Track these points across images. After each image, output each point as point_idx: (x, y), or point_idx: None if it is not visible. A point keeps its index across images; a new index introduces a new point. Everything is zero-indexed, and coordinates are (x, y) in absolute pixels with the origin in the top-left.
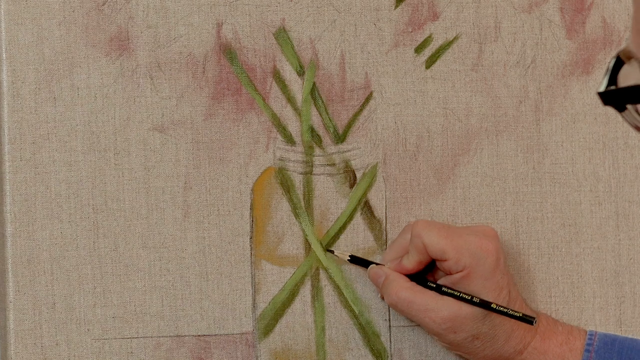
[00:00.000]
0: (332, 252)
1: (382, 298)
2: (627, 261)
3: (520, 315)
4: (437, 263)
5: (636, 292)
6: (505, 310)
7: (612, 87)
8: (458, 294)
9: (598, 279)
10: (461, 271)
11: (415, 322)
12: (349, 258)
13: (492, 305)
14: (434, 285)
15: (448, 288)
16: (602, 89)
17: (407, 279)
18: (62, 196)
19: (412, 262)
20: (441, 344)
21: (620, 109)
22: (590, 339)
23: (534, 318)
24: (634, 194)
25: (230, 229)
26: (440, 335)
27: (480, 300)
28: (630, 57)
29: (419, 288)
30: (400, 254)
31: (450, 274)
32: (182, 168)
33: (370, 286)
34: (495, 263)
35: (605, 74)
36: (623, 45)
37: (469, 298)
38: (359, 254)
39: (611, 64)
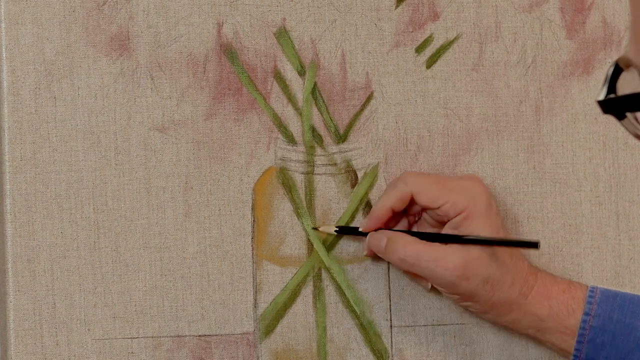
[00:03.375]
0: (316, 229)
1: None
2: (627, 261)
3: (524, 240)
4: (430, 213)
5: (636, 292)
6: (510, 239)
7: (612, 96)
8: (462, 237)
9: (598, 278)
10: (461, 212)
11: (424, 276)
12: (336, 230)
13: (496, 239)
14: (436, 235)
15: (445, 236)
16: (601, 97)
17: (409, 235)
18: (62, 196)
19: (384, 206)
20: (453, 298)
21: (620, 117)
22: (592, 291)
23: (537, 241)
24: (634, 194)
25: (232, 229)
26: (452, 285)
27: (481, 239)
28: (629, 64)
29: (424, 242)
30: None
31: (448, 219)
32: (183, 168)
33: (372, 286)
34: (489, 202)
35: (604, 82)
36: (621, 53)
37: (474, 238)
38: (361, 254)
39: (610, 72)
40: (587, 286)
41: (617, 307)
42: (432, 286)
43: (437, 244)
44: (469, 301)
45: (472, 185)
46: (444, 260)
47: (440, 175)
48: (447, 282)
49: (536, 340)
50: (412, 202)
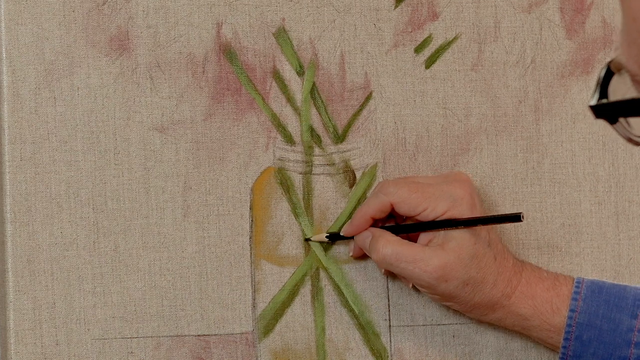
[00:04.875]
0: (309, 240)
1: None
2: (627, 261)
3: (505, 215)
4: (413, 219)
5: None
6: (492, 216)
7: (604, 101)
8: (440, 223)
9: (598, 278)
10: (441, 215)
11: (404, 276)
12: (327, 236)
13: (479, 218)
14: (422, 224)
15: (430, 223)
16: (593, 102)
17: (392, 234)
18: (62, 196)
19: (364, 215)
20: (432, 297)
21: (612, 121)
22: (577, 286)
23: (520, 213)
24: (634, 194)
25: (230, 228)
26: (431, 287)
27: (463, 219)
28: (620, 68)
29: (406, 241)
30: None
31: None
32: (182, 168)
33: (370, 286)
34: (471, 206)
35: (596, 86)
36: (612, 57)
37: (457, 220)
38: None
39: (601, 75)
40: (573, 279)
41: (602, 302)
42: (412, 285)
43: (417, 245)
44: (449, 301)
45: (455, 188)
46: (423, 262)
47: (421, 181)
48: (426, 283)
49: (524, 335)
50: (393, 209)
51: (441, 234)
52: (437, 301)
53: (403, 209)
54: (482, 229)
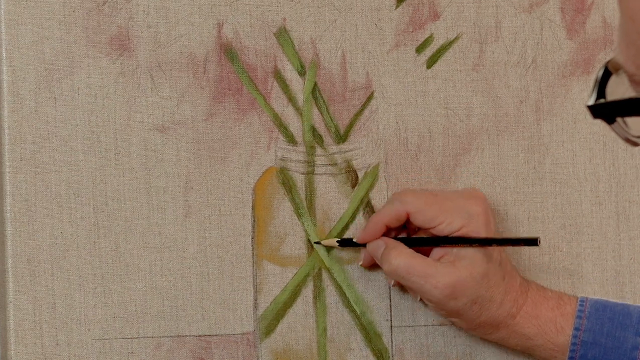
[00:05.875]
0: (319, 243)
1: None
2: (627, 261)
3: (521, 238)
4: (428, 232)
5: (637, 292)
6: (508, 238)
7: (601, 100)
8: (455, 239)
9: (599, 279)
10: (457, 231)
11: (413, 289)
12: (338, 241)
13: (495, 239)
14: (435, 239)
15: (445, 239)
16: (591, 102)
17: (406, 246)
18: (62, 196)
19: (379, 222)
20: (439, 312)
21: (610, 121)
22: (581, 304)
23: (537, 238)
24: (634, 194)
25: (232, 229)
26: (440, 303)
27: (478, 238)
28: (618, 68)
29: (419, 255)
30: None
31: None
32: (183, 168)
33: (372, 286)
34: (487, 222)
35: (594, 86)
36: (610, 57)
37: (472, 238)
38: (362, 254)
39: (599, 76)
40: (577, 298)
41: (607, 319)
42: (420, 298)
43: (430, 260)
44: (455, 318)
45: (471, 205)
46: (434, 277)
47: (439, 194)
48: (435, 299)
49: (527, 355)
50: (409, 219)
51: (454, 251)
52: (443, 316)
53: (419, 219)
54: (495, 249)
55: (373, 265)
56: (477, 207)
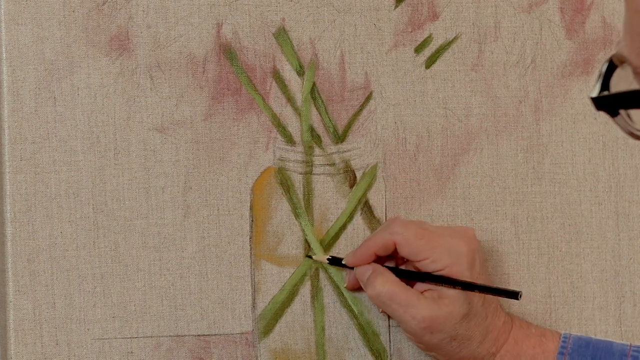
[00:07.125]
0: (310, 257)
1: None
2: (627, 261)
3: (503, 289)
4: (413, 264)
5: (636, 292)
6: (490, 287)
7: (605, 92)
8: (440, 278)
9: (598, 278)
10: (439, 271)
11: (393, 317)
12: (329, 259)
13: (477, 285)
14: (420, 274)
15: (430, 275)
16: (594, 94)
17: (392, 274)
18: (62, 196)
19: (368, 249)
20: (417, 345)
21: (613, 114)
22: (564, 341)
23: (518, 292)
24: (634, 193)
25: (230, 228)
26: (416, 335)
27: (461, 281)
28: (622, 61)
29: (404, 285)
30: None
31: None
32: (182, 168)
33: None
34: (471, 266)
35: (598, 78)
36: (615, 49)
37: (451, 280)
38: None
39: (604, 68)
40: (560, 335)
41: (589, 357)
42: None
43: (414, 291)
44: (433, 352)
45: (458, 244)
46: (414, 308)
47: (429, 228)
48: (412, 330)
49: None
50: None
51: (438, 287)
52: (421, 349)
53: (404, 251)
54: (479, 279)
55: (357, 289)
56: (464, 248)
